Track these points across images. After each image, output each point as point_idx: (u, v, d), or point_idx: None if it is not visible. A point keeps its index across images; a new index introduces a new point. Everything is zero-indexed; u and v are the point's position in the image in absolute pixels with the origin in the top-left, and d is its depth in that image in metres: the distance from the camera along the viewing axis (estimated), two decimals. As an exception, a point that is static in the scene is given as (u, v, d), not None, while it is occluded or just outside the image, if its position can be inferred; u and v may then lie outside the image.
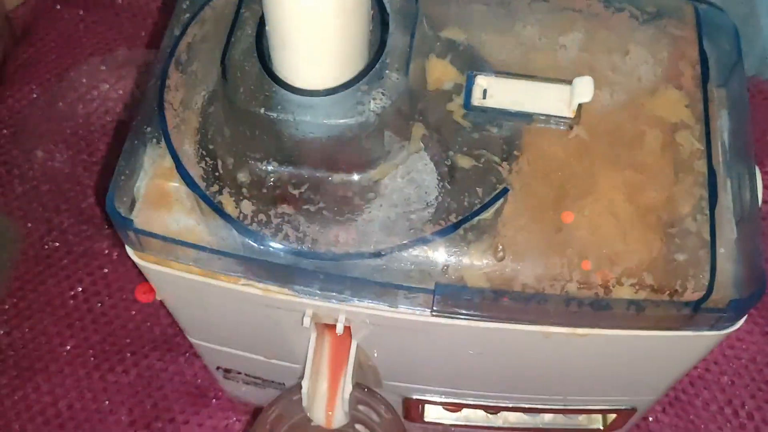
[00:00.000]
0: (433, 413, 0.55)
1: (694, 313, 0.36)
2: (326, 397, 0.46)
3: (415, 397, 0.51)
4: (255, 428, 0.48)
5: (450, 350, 0.43)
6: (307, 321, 0.40)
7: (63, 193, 0.70)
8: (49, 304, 0.67)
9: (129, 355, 0.65)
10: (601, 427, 0.54)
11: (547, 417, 0.54)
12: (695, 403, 0.64)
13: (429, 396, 0.50)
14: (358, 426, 0.55)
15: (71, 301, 0.67)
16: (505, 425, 0.54)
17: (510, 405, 0.50)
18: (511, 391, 0.48)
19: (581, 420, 0.54)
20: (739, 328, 0.38)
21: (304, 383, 0.44)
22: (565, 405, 0.50)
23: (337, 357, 0.46)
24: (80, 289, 0.67)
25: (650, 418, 0.63)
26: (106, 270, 0.68)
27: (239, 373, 0.55)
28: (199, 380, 0.64)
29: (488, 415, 0.54)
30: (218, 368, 0.55)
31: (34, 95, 0.74)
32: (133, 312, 0.67)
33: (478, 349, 0.41)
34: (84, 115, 0.73)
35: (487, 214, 0.38)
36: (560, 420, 0.55)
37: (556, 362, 0.42)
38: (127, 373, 0.64)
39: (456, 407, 0.53)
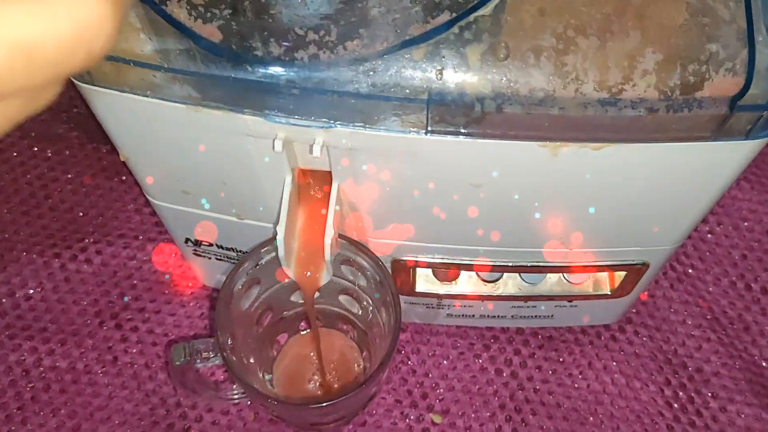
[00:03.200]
0: (424, 284, 0.50)
1: (729, 113, 0.31)
2: (305, 249, 0.41)
3: (404, 258, 0.46)
4: (221, 296, 0.43)
5: (445, 184, 0.37)
6: (278, 145, 0.34)
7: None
8: (1, 192, 0.61)
9: (92, 242, 0.59)
10: (609, 292, 0.49)
11: (549, 283, 0.50)
12: (705, 279, 0.60)
13: (420, 256, 0.45)
14: (341, 297, 0.51)
15: (27, 187, 0.61)
16: (504, 294, 0.49)
17: (509, 264, 0.45)
18: (511, 242, 0.43)
19: (585, 286, 0.50)
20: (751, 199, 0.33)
21: (279, 229, 0.38)
22: (569, 262, 0.45)
23: (315, 202, 0.41)
24: (36, 174, 0.61)
25: (658, 295, 0.59)
26: (67, 152, 0.62)
27: (210, 245, 0.49)
28: (171, 268, 0.59)
29: (484, 283, 0.49)
30: (187, 242, 0.50)
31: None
32: (94, 198, 0.62)
33: (477, 177, 0.36)
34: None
35: (486, 10, 0.32)
36: (563, 287, 0.50)
37: (564, 193, 0.37)
38: (91, 262, 0.59)
39: (450, 272, 0.48)
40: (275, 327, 0.53)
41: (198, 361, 0.44)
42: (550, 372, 0.56)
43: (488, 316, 0.54)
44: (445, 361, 0.56)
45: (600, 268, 0.45)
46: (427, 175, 0.36)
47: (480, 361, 0.56)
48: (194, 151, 0.38)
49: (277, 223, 0.39)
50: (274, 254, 0.45)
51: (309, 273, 0.42)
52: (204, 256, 0.51)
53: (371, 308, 0.49)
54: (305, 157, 0.38)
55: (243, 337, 0.48)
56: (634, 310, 0.58)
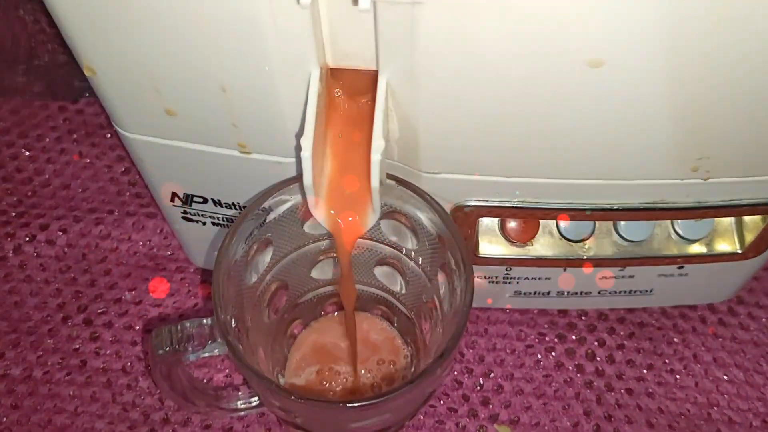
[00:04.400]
0: (490, 247, 0.38)
1: None
2: (341, 178, 0.29)
3: (469, 203, 0.33)
4: (219, 259, 0.31)
5: (550, 65, 0.25)
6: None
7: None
8: (-59, 159, 0.49)
9: (55, 219, 0.47)
10: (739, 250, 0.37)
11: (657, 240, 0.37)
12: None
13: (491, 198, 0.33)
14: (378, 270, 0.38)
15: (-28, 153, 0.49)
16: (595, 257, 0.37)
17: (612, 206, 0.33)
18: (620, 168, 0.31)
19: (707, 241, 0.37)
20: None
21: (304, 142, 0.26)
22: (697, 201, 0.33)
23: (351, 117, 0.29)
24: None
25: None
26: (25, 111, 0.50)
27: (204, 200, 0.37)
28: (155, 248, 0.46)
29: (569, 243, 0.37)
30: (174, 199, 0.37)
31: None
32: (58, 166, 0.49)
33: (604, 47, 0.24)
34: None
35: None
36: (675, 246, 0.37)
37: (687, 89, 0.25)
38: (53, 243, 0.46)
39: (528, 225, 0.36)
40: (291, 313, 0.40)
41: (189, 350, 0.32)
42: (646, 368, 0.43)
43: (567, 293, 0.41)
44: (509, 357, 0.43)
45: (740, 211, 0.33)
46: (526, 48, 0.24)
47: (554, 355, 0.43)
48: (184, 37, 0.26)
49: (300, 134, 0.27)
50: (290, 202, 0.33)
51: (346, 216, 0.29)
52: (197, 221, 0.39)
53: (422, 282, 0.37)
54: (338, 42, 0.26)
55: (250, 324, 0.35)
56: (747, 288, 0.46)
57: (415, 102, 0.28)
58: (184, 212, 0.38)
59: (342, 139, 0.28)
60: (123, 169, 0.49)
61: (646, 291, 0.41)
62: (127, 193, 0.48)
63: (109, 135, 0.51)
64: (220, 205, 0.37)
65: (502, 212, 0.34)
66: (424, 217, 0.33)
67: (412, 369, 0.40)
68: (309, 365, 0.39)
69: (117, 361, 0.42)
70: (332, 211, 0.29)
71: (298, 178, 0.32)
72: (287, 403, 0.30)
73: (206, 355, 0.32)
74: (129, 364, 0.42)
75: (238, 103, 0.29)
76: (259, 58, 0.26)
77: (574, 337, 0.44)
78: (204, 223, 0.39)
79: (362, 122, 0.28)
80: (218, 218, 0.38)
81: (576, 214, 0.33)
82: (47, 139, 0.50)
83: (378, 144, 0.26)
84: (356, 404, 0.29)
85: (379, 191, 0.28)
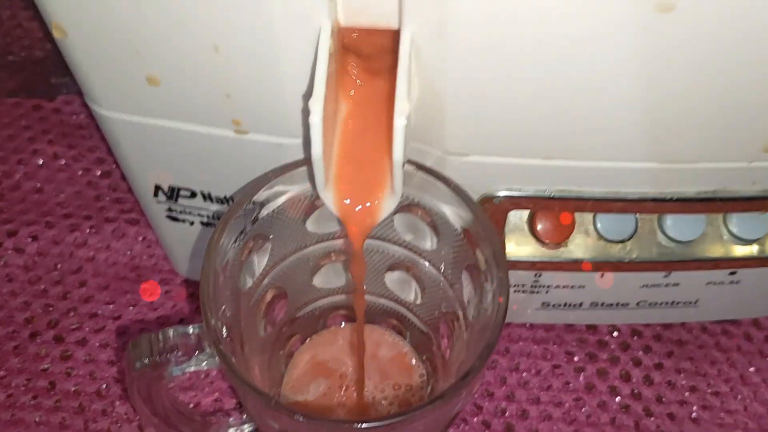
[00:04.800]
0: (517, 249, 0.33)
1: None
2: (354, 153, 0.24)
3: (499, 194, 0.29)
4: (208, 255, 0.26)
5: (611, 12, 0.21)
6: None
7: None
8: None
9: (24, 224, 0.42)
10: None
11: (707, 240, 0.33)
12: None
13: (527, 185, 0.29)
14: (390, 277, 0.34)
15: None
16: (638, 260, 0.33)
17: (656, 194, 0.29)
18: (679, 148, 0.26)
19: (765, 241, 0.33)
20: None
21: (314, 105, 0.22)
22: (754, 190, 0.28)
23: (366, 82, 0.24)
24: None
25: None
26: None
27: (191, 194, 0.32)
28: (136, 257, 0.42)
29: (608, 243, 0.33)
30: (158, 193, 0.33)
31: None
32: (31, 168, 0.45)
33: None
34: None
35: None
36: (728, 247, 0.33)
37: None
38: (22, 251, 0.41)
39: (562, 220, 0.31)
40: (290, 327, 0.35)
41: (173, 362, 0.27)
42: (688, 390, 0.38)
43: (602, 304, 0.37)
44: (534, 379, 0.39)
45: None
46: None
47: (585, 375, 0.39)
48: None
49: (308, 97, 0.22)
50: (289, 194, 0.29)
51: (361, 202, 0.25)
52: (183, 220, 0.34)
53: (441, 288, 0.32)
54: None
55: (244, 336, 0.31)
56: (795, 299, 0.41)
57: (444, 63, 0.23)
58: (170, 210, 0.34)
59: (357, 103, 0.24)
60: (102, 173, 0.45)
61: (691, 302, 0.37)
62: (107, 198, 0.44)
63: (88, 136, 0.46)
64: (211, 199, 0.32)
65: (537, 204, 0.29)
66: (449, 209, 0.28)
67: (429, 389, 0.35)
68: (309, 384, 0.34)
69: (91, 383, 0.37)
70: (344, 193, 0.24)
71: (300, 162, 0.28)
72: (289, 425, 0.25)
73: (192, 368, 0.27)
74: (105, 386, 0.37)
75: (233, 67, 0.25)
76: (259, 8, 0.22)
77: (606, 356, 0.39)
78: (192, 223, 0.34)
79: (380, 86, 0.24)
80: (208, 216, 0.34)
81: (623, 205, 0.29)
82: (18, 139, 0.45)
83: (402, 106, 0.22)
84: (370, 425, 0.24)
85: (402, 165, 0.23)
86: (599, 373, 0.39)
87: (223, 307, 0.27)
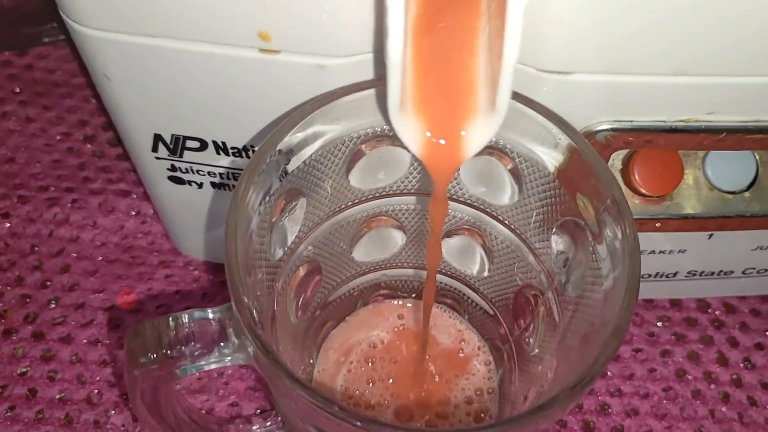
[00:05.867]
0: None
1: None
2: (439, 69, 0.17)
3: (602, 126, 0.22)
4: (231, 214, 0.20)
5: None
6: None
7: None
8: None
9: (-7, 200, 0.35)
10: None
11: None
12: None
13: (637, 117, 0.22)
14: (451, 243, 0.27)
15: None
16: (762, 212, 0.26)
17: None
18: None
19: None
20: None
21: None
22: None
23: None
24: None
25: None
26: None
27: (201, 146, 0.25)
28: (129, 236, 0.35)
29: (722, 194, 0.26)
30: (157, 145, 0.26)
31: None
32: (0, 134, 0.38)
33: None
34: None
35: None
36: None
37: None
38: (-8, 232, 0.34)
39: (673, 161, 0.25)
40: (324, 312, 0.29)
41: (188, 356, 0.20)
42: (798, 373, 0.32)
43: (700, 273, 0.30)
44: (613, 366, 0.33)
45: None
46: None
47: (674, 361, 0.32)
48: None
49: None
50: (327, 136, 0.22)
51: (450, 126, 0.18)
52: (190, 181, 0.27)
53: (520, 255, 0.25)
54: None
55: (276, 322, 0.24)
56: None
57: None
58: (172, 168, 0.27)
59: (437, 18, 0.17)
60: (84, 137, 0.38)
61: (804, 267, 0.30)
62: (92, 167, 0.37)
63: (67, 95, 0.39)
64: (225, 151, 0.25)
65: (650, 139, 0.23)
66: (542, 148, 0.22)
67: (495, 385, 0.28)
68: (343, 374, 0.28)
69: (80, 388, 0.30)
70: (428, 115, 0.17)
71: (349, 88, 0.21)
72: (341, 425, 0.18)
73: (213, 365, 0.21)
74: (96, 392, 0.30)
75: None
76: None
77: (697, 337, 0.33)
78: (200, 185, 0.27)
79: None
80: (221, 175, 0.27)
81: (764, 139, 0.22)
82: (-15, 101, 0.38)
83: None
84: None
85: (513, 71, 0.16)
86: (690, 356, 0.32)
87: (252, 287, 0.20)
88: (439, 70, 0.17)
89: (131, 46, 0.21)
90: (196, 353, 0.20)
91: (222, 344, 0.20)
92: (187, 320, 0.20)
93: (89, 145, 0.37)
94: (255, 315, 0.20)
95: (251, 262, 0.21)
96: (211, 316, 0.21)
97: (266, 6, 0.19)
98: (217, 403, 0.31)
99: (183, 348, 0.20)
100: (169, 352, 0.20)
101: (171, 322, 0.20)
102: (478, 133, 0.18)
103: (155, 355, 0.20)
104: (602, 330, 0.19)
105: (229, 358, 0.21)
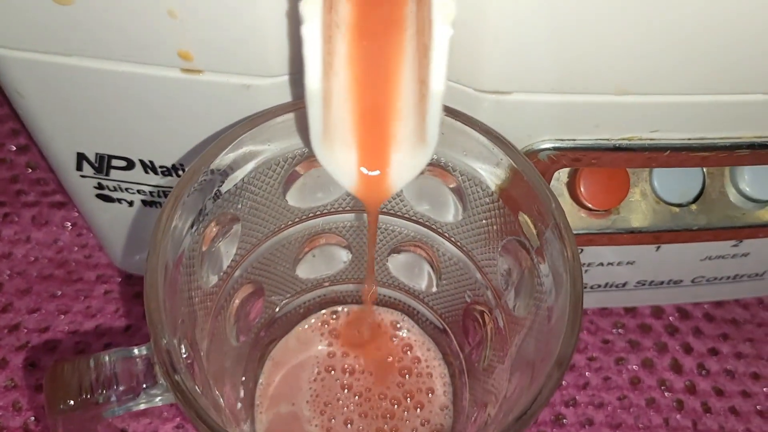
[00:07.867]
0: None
1: None
2: (369, 81, 0.16)
3: (545, 145, 0.22)
4: (154, 240, 0.18)
5: None
6: None
7: None
8: None
9: None
10: None
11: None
12: None
13: (579, 136, 0.21)
14: (394, 261, 0.26)
15: None
16: (708, 227, 0.26)
17: (752, 137, 0.22)
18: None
19: None
20: None
21: (306, 7, 0.14)
22: None
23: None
24: None
25: None
26: None
27: (127, 165, 0.24)
28: (64, 249, 0.33)
29: (669, 207, 0.26)
30: (81, 163, 0.24)
31: None
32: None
33: None
34: None
35: None
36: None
37: None
38: None
39: (619, 177, 0.24)
40: (269, 331, 0.28)
41: (113, 401, 0.19)
42: (750, 378, 0.32)
43: (650, 283, 0.30)
44: (569, 375, 0.32)
45: None
46: None
47: (629, 369, 0.32)
48: None
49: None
50: (263, 156, 0.21)
51: (377, 158, 0.17)
52: (119, 200, 0.26)
53: (466, 272, 0.25)
54: None
55: (210, 350, 0.23)
56: None
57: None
58: (99, 187, 0.25)
59: (366, 11, 0.16)
60: (17, 147, 0.36)
61: (757, 275, 0.30)
62: (26, 179, 0.35)
63: (-2, 103, 0.37)
64: (154, 170, 0.24)
65: (595, 158, 0.22)
66: (483, 167, 0.21)
67: (449, 400, 0.27)
68: (294, 393, 0.27)
69: (15, 416, 0.29)
70: (353, 146, 0.16)
71: (279, 109, 0.20)
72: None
73: (143, 406, 0.19)
74: (33, 419, 0.29)
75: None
76: None
77: (651, 344, 0.33)
78: (131, 203, 0.26)
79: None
80: (151, 193, 0.25)
81: (711, 159, 0.22)
82: None
83: (447, 9, 0.14)
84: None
85: (441, 102, 0.15)
86: (645, 364, 0.32)
87: (180, 320, 0.19)
88: (364, 98, 0.16)
89: (43, 65, 0.20)
90: (122, 397, 0.19)
91: (147, 386, 0.19)
92: (108, 361, 0.19)
93: (22, 157, 0.36)
94: (182, 352, 0.19)
95: (180, 293, 0.20)
96: (136, 353, 0.19)
97: (183, 23, 0.18)
98: (161, 426, 0.30)
99: (107, 392, 0.19)
100: (89, 396, 0.18)
101: (92, 363, 0.19)
102: (407, 165, 0.17)
103: (75, 402, 0.18)
104: (547, 357, 0.19)
105: (160, 398, 0.19)
